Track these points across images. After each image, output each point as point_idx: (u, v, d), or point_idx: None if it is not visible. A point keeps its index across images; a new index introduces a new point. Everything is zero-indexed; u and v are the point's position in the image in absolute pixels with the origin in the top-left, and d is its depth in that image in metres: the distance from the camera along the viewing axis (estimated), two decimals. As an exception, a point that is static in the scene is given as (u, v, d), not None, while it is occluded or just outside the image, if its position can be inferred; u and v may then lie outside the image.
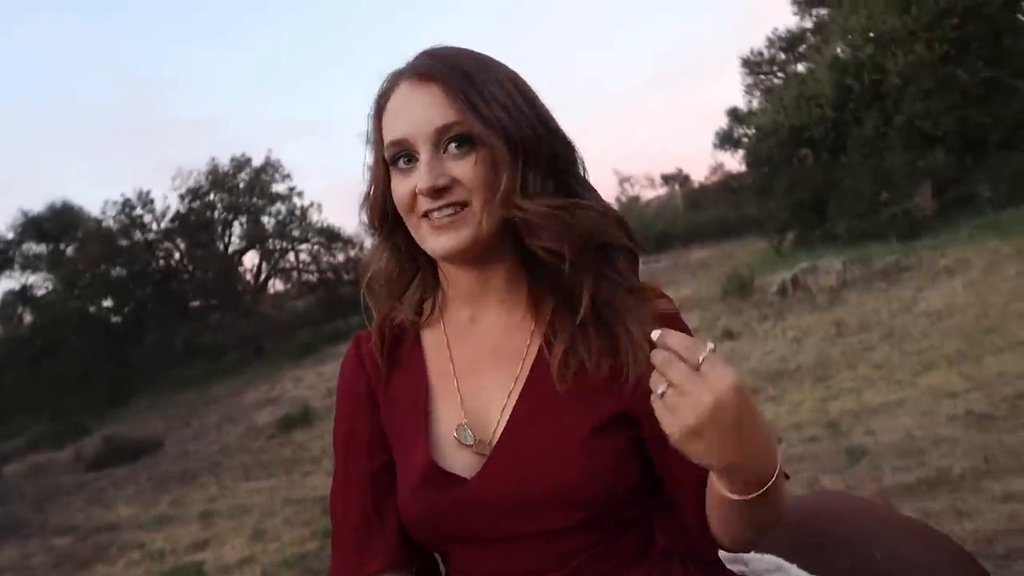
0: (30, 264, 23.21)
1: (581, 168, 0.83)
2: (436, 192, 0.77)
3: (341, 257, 24.41)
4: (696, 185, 33.23)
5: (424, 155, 0.77)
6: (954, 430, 4.88)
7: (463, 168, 0.77)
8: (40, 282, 23.34)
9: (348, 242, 24.03)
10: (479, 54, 0.82)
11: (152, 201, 23.45)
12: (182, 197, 23.69)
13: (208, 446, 12.48)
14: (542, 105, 0.81)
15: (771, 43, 23.27)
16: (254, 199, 24.21)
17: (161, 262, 24.09)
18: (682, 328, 0.77)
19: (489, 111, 0.76)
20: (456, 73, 0.78)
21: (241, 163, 24.34)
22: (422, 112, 0.78)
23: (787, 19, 23.65)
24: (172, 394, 18.98)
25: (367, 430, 0.86)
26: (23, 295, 23.17)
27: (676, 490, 0.80)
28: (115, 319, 23.62)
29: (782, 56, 23.19)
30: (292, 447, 10.50)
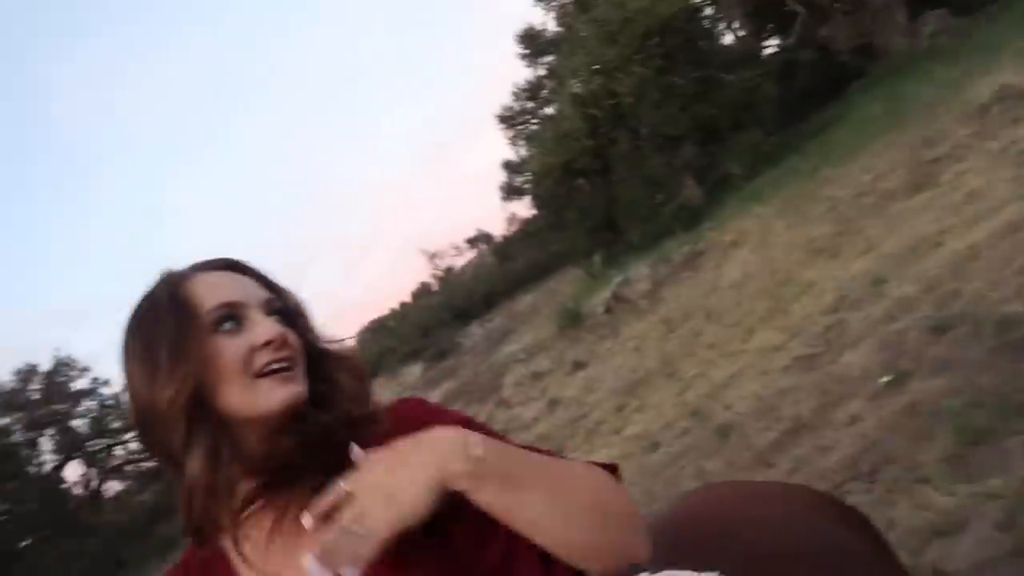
0: None
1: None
2: (283, 341, 0.82)
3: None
4: (500, 239, 34.58)
5: (257, 315, 0.83)
6: (791, 378, 5.49)
7: (288, 336, 0.84)
8: None
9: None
10: None
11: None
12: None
13: None
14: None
15: (516, 96, 25.13)
16: (55, 406, 21.77)
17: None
18: (427, 414, 0.89)
19: (286, 298, 0.90)
20: (251, 269, 0.91)
21: (27, 373, 21.87)
22: (249, 286, 0.87)
23: (523, 72, 25.69)
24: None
25: None
26: None
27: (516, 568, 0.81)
28: None
29: (530, 104, 25.09)
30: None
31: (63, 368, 22.25)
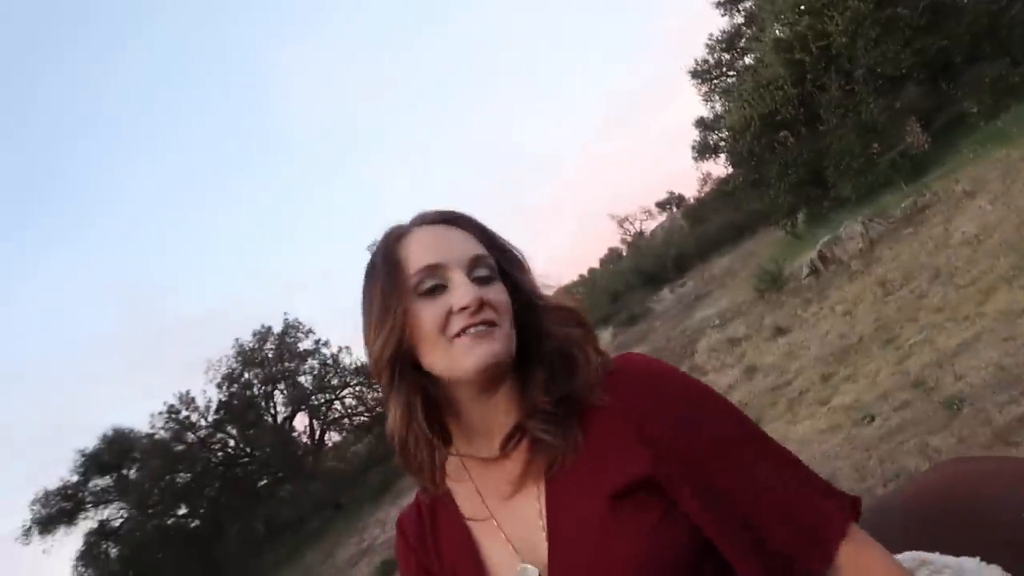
0: (100, 499, 23.47)
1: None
2: (479, 305, 0.81)
3: (386, 392, 24.44)
4: (692, 201, 33.39)
5: (459, 277, 0.83)
6: (1042, 346, 4.70)
7: (493, 293, 0.84)
8: (115, 512, 23.54)
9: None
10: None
11: (194, 400, 23.87)
12: (219, 386, 24.11)
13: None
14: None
15: (711, 48, 23.82)
16: (285, 364, 24.57)
17: (219, 454, 24.28)
18: (663, 378, 0.83)
19: (500, 249, 0.90)
20: (471, 221, 0.91)
21: (264, 334, 24.84)
22: (457, 244, 0.86)
23: (718, 21, 24.26)
24: (269, 576, 18.75)
25: None
26: (103, 531, 23.31)
27: (728, 549, 0.77)
28: (193, 523, 23.65)
29: (727, 56, 23.68)
30: (400, 591, 10.28)
31: (292, 330, 24.99)
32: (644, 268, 25.62)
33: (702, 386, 0.85)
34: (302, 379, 24.93)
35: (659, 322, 17.73)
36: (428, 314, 0.82)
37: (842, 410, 6.39)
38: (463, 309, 0.81)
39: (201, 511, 23.54)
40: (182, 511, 23.72)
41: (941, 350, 6.09)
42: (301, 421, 25.21)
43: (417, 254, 0.85)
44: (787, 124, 12.93)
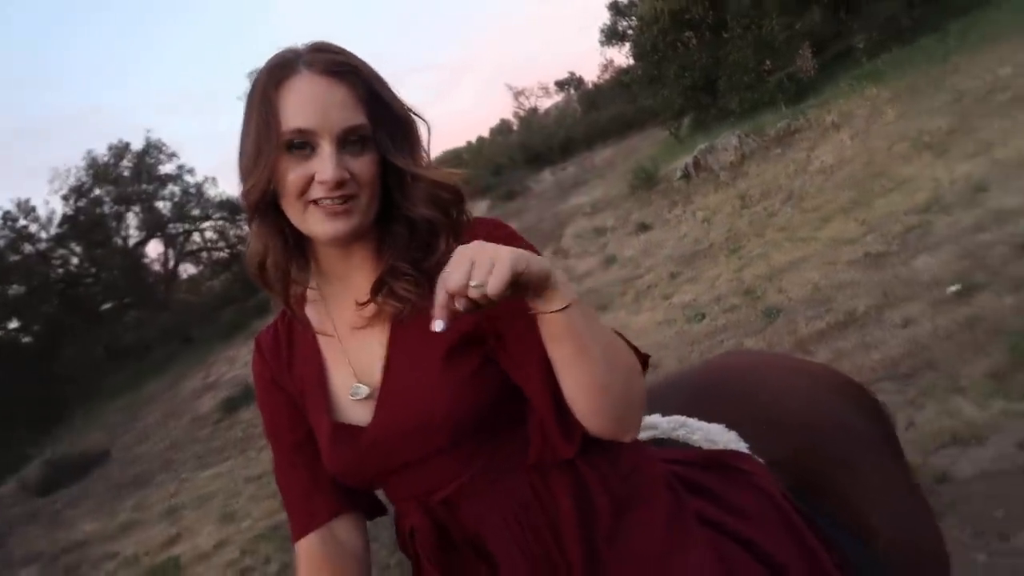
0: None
1: (422, 140, 0.93)
2: (338, 184, 0.84)
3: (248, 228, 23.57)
4: (590, 86, 33.20)
5: (328, 148, 0.85)
6: (855, 273, 5.23)
7: (359, 166, 0.86)
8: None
9: (253, 211, 23.12)
10: (365, 60, 0.91)
11: (34, 209, 21.97)
12: (65, 199, 22.26)
13: (156, 445, 12.23)
14: (405, 103, 0.93)
15: (638, -71, 22.95)
16: (143, 186, 22.94)
17: (60, 271, 22.78)
18: (505, 238, 0.87)
19: (385, 116, 0.88)
20: (360, 78, 0.87)
21: (121, 150, 22.92)
22: (333, 111, 0.85)
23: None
24: (106, 402, 18.35)
25: (283, 413, 0.98)
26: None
27: (531, 389, 0.87)
28: (26, 339, 22.42)
29: (650, -59, 22.95)
30: (241, 427, 10.40)
31: (154, 151, 23.17)
32: (531, 146, 25.59)
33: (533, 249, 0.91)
34: (160, 205, 23.47)
35: (535, 202, 17.99)
36: (292, 175, 0.85)
37: (680, 307, 6.90)
38: (323, 183, 0.84)
39: (35, 328, 22.29)
40: (13, 324, 22.36)
41: (774, 265, 6.64)
42: (155, 248, 23.99)
43: (293, 110, 0.85)
44: (694, 25, 12.95)
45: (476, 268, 0.72)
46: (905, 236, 5.39)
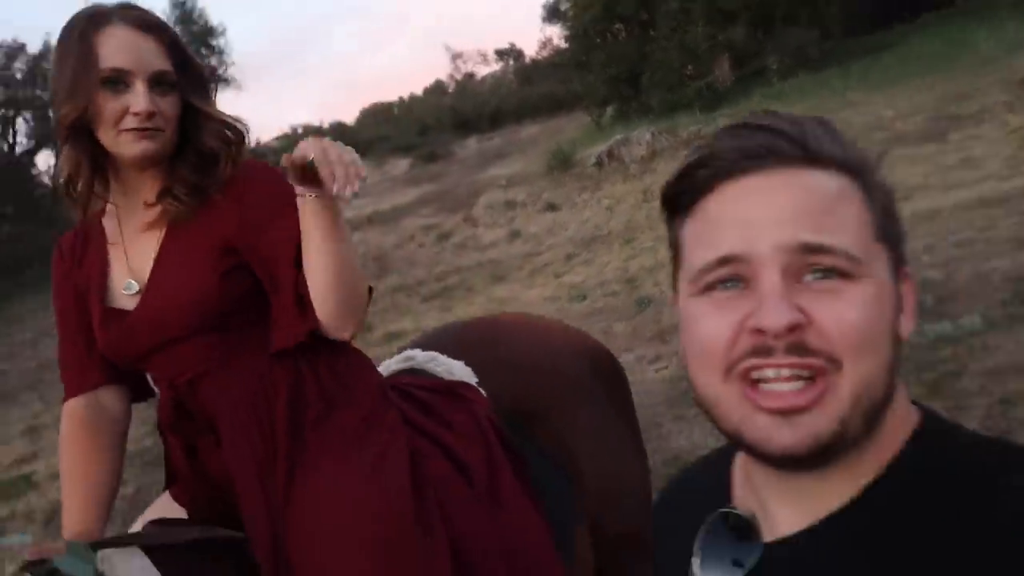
0: None
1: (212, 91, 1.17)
2: (149, 115, 1.05)
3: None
4: (528, 61, 33.23)
5: (141, 86, 1.05)
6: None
7: (165, 104, 1.08)
8: None
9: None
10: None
11: None
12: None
13: (24, 363, 11.74)
14: (196, 57, 1.18)
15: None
16: (37, 92, 21.40)
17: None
18: (263, 174, 1.18)
19: (187, 67, 1.10)
20: (167, 35, 1.10)
21: (14, 51, 21.26)
22: (146, 56, 1.06)
23: None
24: (-26, 314, 17.27)
25: (70, 299, 1.20)
26: None
27: (279, 274, 1.12)
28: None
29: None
30: (122, 350, 10.17)
31: (50, 55, 21.47)
32: (462, 111, 25.52)
33: (288, 185, 1.13)
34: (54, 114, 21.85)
35: (456, 168, 18.08)
36: (108, 107, 1.05)
37: (567, 287, 7.30)
38: (136, 114, 1.04)
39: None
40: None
41: (659, 259, 7.09)
42: (45, 161, 22.44)
43: (111, 52, 1.04)
44: (624, 19, 13.30)
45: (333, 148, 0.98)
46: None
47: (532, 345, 1.42)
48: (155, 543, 1.05)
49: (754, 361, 0.50)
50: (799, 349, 0.49)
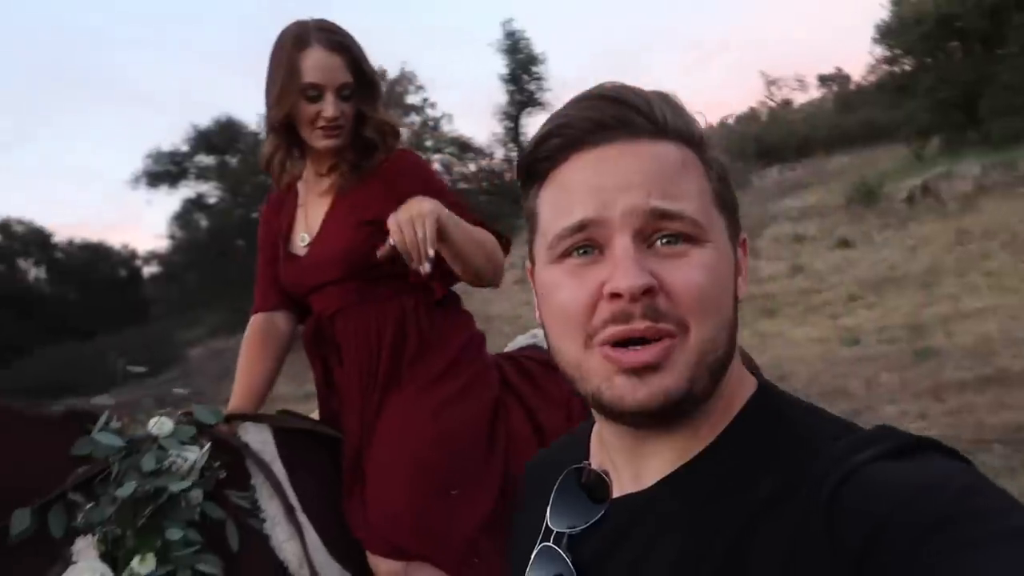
0: (202, 175, 25.74)
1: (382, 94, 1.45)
2: (335, 119, 1.36)
3: (472, 167, 25.11)
4: (854, 86, 30.62)
5: (331, 97, 1.35)
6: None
7: (347, 108, 1.37)
8: (211, 191, 25.92)
9: (479, 152, 24.63)
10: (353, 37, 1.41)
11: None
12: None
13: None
14: (375, 68, 1.47)
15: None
16: (389, 110, 25.15)
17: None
18: (413, 166, 1.42)
19: (362, 78, 1.39)
20: (351, 53, 1.37)
21: (380, 74, 25.23)
22: (334, 72, 1.36)
23: None
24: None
25: (268, 239, 1.53)
26: (198, 203, 25.88)
27: None
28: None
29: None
30: None
31: (404, 80, 25.25)
32: (767, 140, 24.37)
33: (431, 174, 1.49)
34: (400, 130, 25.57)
35: (749, 198, 17.24)
36: (305, 113, 1.36)
37: (841, 329, 6.60)
38: (326, 118, 1.36)
39: (283, 216, 25.55)
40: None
41: (960, 309, 6.11)
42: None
43: (309, 69, 1.35)
44: (963, 34, 11.58)
45: (416, 226, 1.22)
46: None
47: None
48: (277, 424, 1.35)
49: (613, 329, 0.52)
50: (653, 313, 0.52)
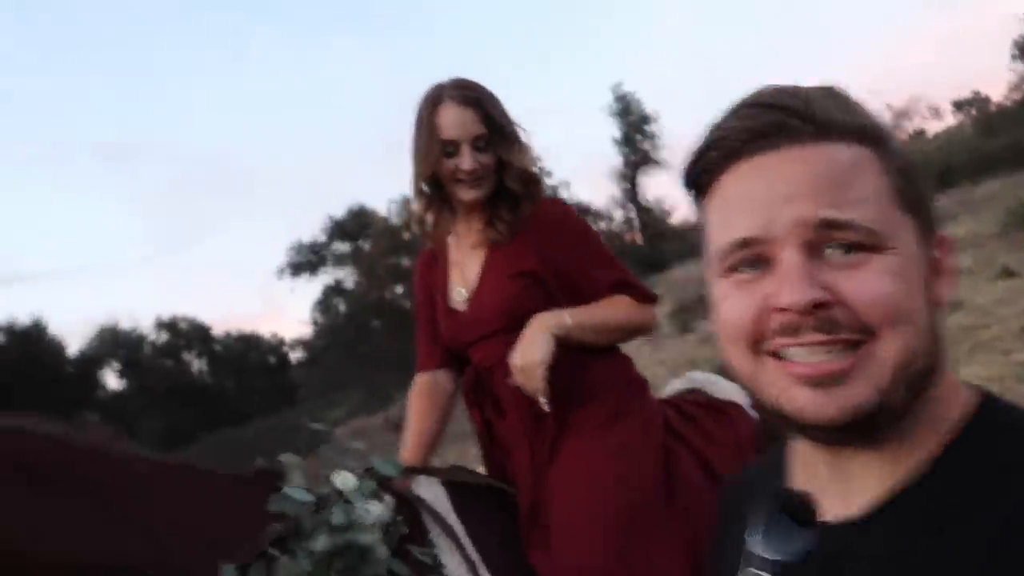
0: (339, 261, 27.57)
1: (526, 141, 1.50)
2: (472, 171, 1.43)
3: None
4: (993, 108, 28.58)
5: (467, 149, 1.42)
6: None
7: (484, 159, 1.43)
8: (347, 276, 27.61)
9: (598, 215, 24.82)
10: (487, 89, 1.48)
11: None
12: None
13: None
14: (512, 116, 1.52)
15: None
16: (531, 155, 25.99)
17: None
18: (560, 216, 1.46)
19: (498, 128, 1.44)
20: (483, 106, 1.44)
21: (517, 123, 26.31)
22: (468, 126, 1.43)
23: None
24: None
25: (426, 298, 1.58)
26: (336, 288, 27.60)
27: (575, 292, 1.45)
28: (406, 303, 27.14)
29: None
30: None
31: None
32: (901, 173, 22.93)
33: (579, 223, 1.54)
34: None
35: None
36: (447, 169, 1.43)
37: (1015, 365, 5.97)
38: (464, 171, 1.42)
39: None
40: (399, 289, 27.21)
41: None
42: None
43: (444, 126, 1.42)
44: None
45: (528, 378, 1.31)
46: None
47: None
48: (450, 479, 1.38)
49: (781, 340, 0.50)
50: (828, 326, 0.49)
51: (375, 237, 26.14)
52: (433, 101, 1.43)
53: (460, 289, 1.49)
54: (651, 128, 27.60)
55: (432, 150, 1.41)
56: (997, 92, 34.03)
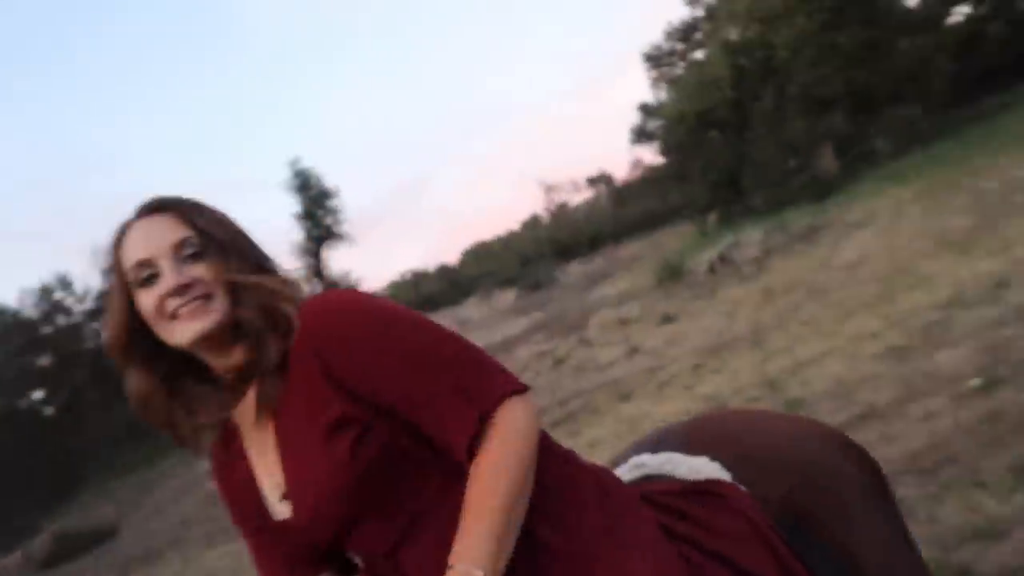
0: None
1: (263, 253, 1.03)
2: (182, 288, 0.93)
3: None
4: (620, 184, 33.97)
5: (167, 265, 0.95)
6: (877, 366, 5.14)
7: (200, 270, 0.95)
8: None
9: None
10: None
11: (71, 283, 22.69)
12: (104, 273, 23.02)
13: (167, 521, 12.08)
14: (235, 221, 1.03)
15: (668, 35, 24.05)
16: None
17: (91, 344, 23.24)
18: (337, 322, 0.94)
19: (211, 229, 0.98)
20: (181, 207, 0.99)
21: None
22: (159, 234, 0.96)
23: (680, 11, 24.47)
24: (120, 477, 18.31)
25: (243, 516, 1.03)
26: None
27: (438, 429, 0.92)
28: (48, 411, 22.66)
29: (680, 46, 23.99)
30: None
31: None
32: (560, 239, 26.07)
33: (370, 318, 0.94)
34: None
35: (561, 292, 18.12)
36: (147, 303, 0.95)
37: (702, 397, 6.79)
38: (168, 290, 0.93)
39: (60, 399, 22.56)
40: (38, 395, 22.67)
41: (798, 359, 6.55)
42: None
43: (129, 252, 0.97)
44: (719, 124, 13.33)
45: None
46: (927, 331, 5.32)
47: (775, 435, 1.19)
48: None
49: None
50: None
51: (4, 334, 21.57)
52: (117, 234, 0.99)
53: (271, 490, 0.98)
54: (331, 203, 27.49)
55: (122, 291, 0.96)
56: (620, 171, 40.80)
